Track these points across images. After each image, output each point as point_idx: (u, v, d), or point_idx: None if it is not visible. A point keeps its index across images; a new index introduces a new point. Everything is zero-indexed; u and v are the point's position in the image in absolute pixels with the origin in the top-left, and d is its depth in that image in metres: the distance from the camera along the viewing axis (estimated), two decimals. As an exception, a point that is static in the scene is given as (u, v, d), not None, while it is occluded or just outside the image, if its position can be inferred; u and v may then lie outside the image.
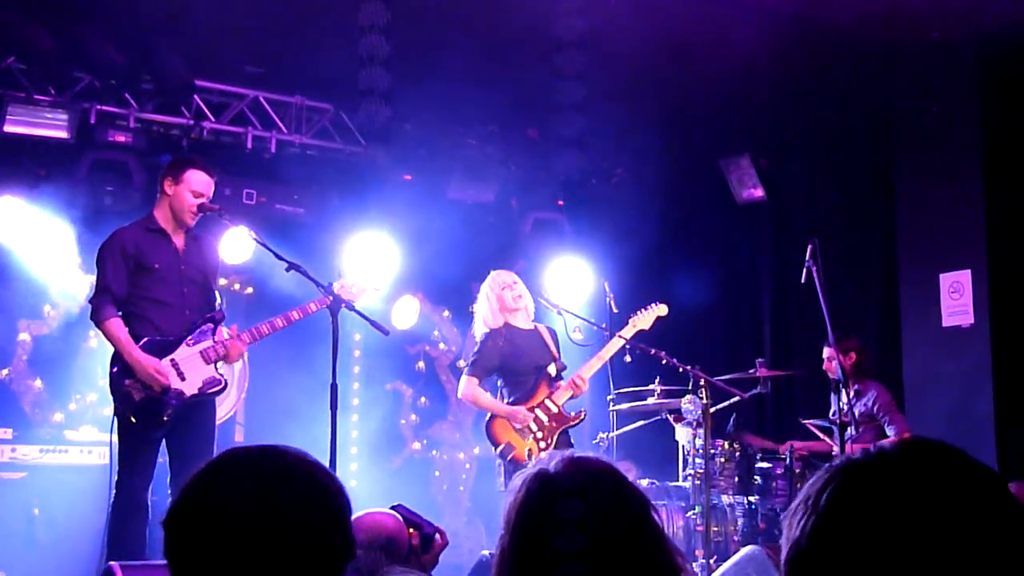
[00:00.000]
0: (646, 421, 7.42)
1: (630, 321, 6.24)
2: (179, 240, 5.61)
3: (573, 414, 6.02)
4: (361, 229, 8.24)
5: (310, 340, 6.35)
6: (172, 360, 5.46)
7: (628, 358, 6.28)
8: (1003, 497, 1.30)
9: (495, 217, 8.75)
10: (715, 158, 8.98)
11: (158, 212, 5.65)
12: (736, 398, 6.49)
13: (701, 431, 6.33)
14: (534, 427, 5.85)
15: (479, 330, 6.06)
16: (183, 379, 5.46)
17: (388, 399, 9.06)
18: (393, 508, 3.57)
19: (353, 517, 3.17)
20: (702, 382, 6.13)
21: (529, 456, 5.70)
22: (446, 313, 9.29)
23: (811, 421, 7.14)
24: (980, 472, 1.32)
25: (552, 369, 6.00)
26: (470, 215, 8.44)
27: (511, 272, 6.22)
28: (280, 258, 5.29)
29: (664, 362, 5.95)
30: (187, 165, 5.70)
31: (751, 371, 7.15)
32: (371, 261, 8.21)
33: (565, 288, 8.48)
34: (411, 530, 3.49)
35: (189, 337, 5.54)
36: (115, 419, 5.31)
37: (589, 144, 7.98)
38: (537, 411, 5.90)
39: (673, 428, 7.19)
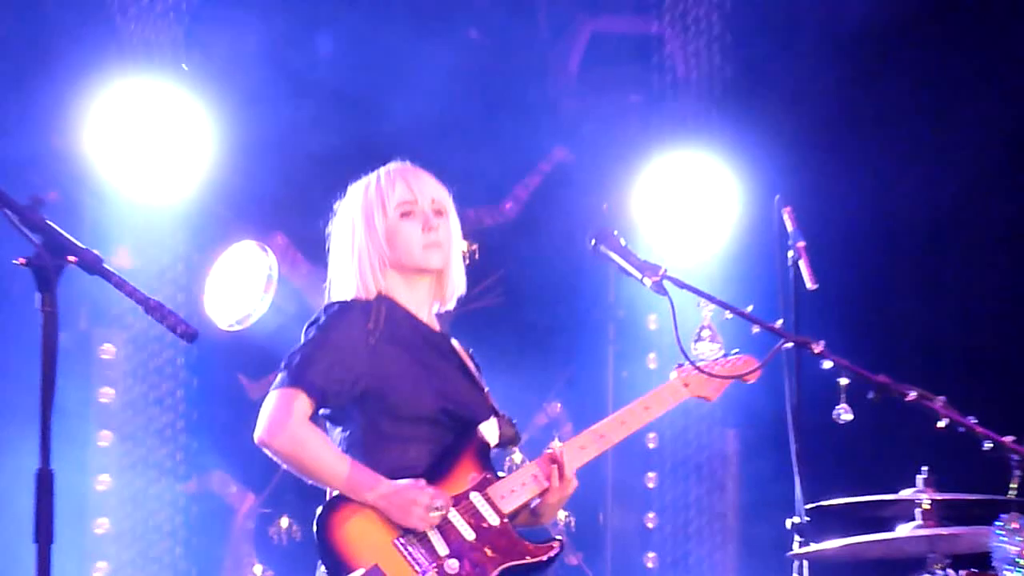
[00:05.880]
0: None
1: (677, 373, 5.11)
2: None
3: (536, 544, 4.93)
4: (124, 69, 7.47)
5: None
6: None
7: (847, 415, 4.79)
8: None
9: (493, 42, 8.39)
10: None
11: None
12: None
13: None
14: (440, 548, 4.72)
15: (332, 297, 5.17)
16: None
17: (202, 502, 8.11)
18: None
19: None
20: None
21: None
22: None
23: None
24: None
25: (490, 431, 4.90)
26: (421, 29, 8.02)
27: (420, 174, 5.08)
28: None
29: (944, 423, 4.66)
30: None
31: None
32: (154, 148, 7.42)
33: (672, 225, 8.12)
34: None
35: None
36: None
37: None
38: (455, 513, 4.78)
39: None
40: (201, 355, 7.38)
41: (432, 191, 5.00)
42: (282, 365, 4.86)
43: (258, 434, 4.72)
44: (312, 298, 7.91)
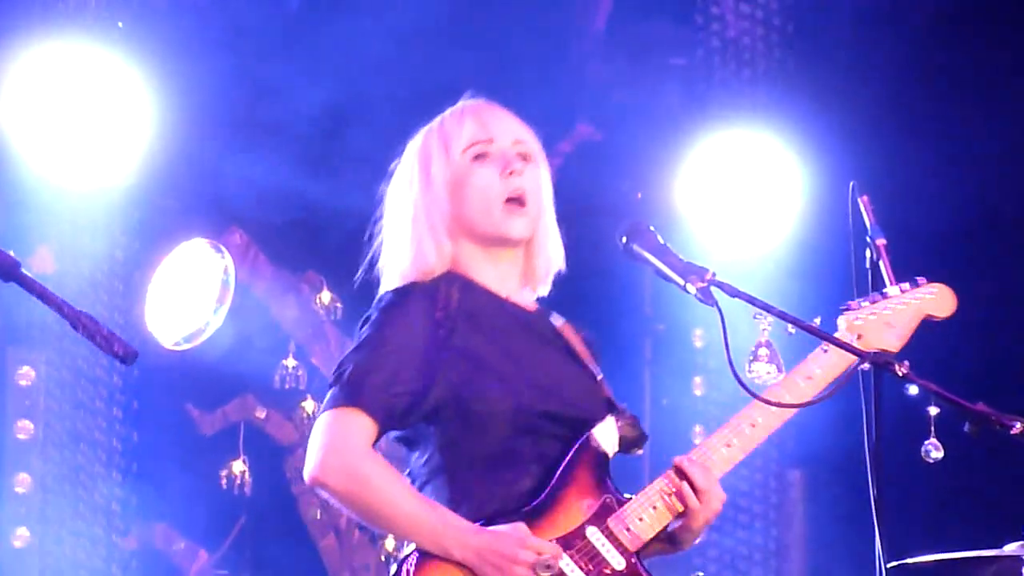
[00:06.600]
0: None
1: (846, 320, 4.65)
2: None
3: None
4: (46, 29, 7.25)
5: None
6: None
7: (937, 452, 4.58)
8: None
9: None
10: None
11: None
12: None
13: None
14: None
15: (384, 286, 4.72)
16: None
17: (143, 561, 7.72)
18: None
19: None
20: None
21: None
22: (325, 296, 8.11)
23: None
24: None
25: (607, 435, 4.41)
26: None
27: (499, 110, 4.67)
28: None
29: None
30: None
31: None
32: (83, 125, 7.17)
33: (722, 219, 8.03)
34: None
35: None
36: None
37: None
38: (568, 560, 4.28)
39: None
40: (142, 380, 7.05)
41: (515, 130, 4.54)
42: (331, 379, 4.36)
43: (309, 470, 4.22)
44: (278, 309, 7.88)
